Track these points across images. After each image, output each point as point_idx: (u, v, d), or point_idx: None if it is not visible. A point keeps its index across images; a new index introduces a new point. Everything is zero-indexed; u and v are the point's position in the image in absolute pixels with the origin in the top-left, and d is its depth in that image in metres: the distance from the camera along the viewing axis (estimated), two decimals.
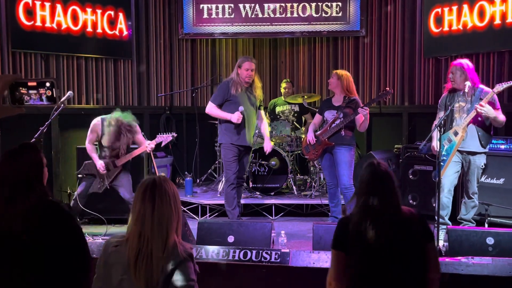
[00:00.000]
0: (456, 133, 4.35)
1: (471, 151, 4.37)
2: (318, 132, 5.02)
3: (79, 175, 4.99)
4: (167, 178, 2.14)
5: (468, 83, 4.30)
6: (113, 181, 4.87)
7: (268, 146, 5.16)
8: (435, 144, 4.34)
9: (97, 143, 4.95)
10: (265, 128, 5.25)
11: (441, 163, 4.28)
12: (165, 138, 5.02)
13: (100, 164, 4.81)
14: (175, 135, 5.14)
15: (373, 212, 2.24)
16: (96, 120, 4.93)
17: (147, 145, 4.86)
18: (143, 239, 1.97)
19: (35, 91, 1.45)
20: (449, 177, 4.38)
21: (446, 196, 4.36)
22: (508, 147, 4.93)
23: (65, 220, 2.05)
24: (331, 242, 2.36)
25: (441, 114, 4.51)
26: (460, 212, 4.52)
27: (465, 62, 4.48)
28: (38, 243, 1.94)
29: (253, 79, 4.92)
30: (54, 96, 1.46)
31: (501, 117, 4.29)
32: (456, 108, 4.42)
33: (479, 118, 4.32)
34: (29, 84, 1.43)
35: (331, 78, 5.06)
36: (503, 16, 5.64)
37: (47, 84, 1.47)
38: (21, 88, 1.43)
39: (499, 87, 4.23)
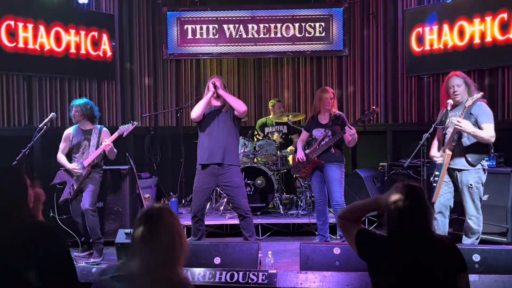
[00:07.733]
0: (444, 151, 4.17)
1: (457, 168, 4.15)
2: (308, 151, 5.07)
3: (57, 185, 5.03)
4: (167, 208, 1.99)
5: (450, 101, 4.15)
6: (82, 184, 4.92)
7: None
8: (434, 152, 4.26)
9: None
10: None
11: (434, 184, 4.12)
12: (126, 128, 5.02)
13: (73, 165, 4.93)
14: (135, 123, 5.09)
15: (403, 240, 2.13)
16: (68, 130, 5.10)
17: (105, 143, 4.86)
18: (140, 278, 1.87)
19: None
20: (439, 198, 4.16)
21: (438, 218, 4.17)
22: (490, 163, 4.95)
23: (54, 240, 2.11)
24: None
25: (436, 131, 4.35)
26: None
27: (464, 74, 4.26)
28: (28, 262, 1.99)
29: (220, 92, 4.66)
30: None
31: (482, 133, 4.00)
32: (448, 124, 4.21)
33: (464, 134, 4.06)
34: None
35: (330, 98, 5.00)
36: (482, 35, 5.77)
37: None
38: None
39: (470, 101, 4.03)
